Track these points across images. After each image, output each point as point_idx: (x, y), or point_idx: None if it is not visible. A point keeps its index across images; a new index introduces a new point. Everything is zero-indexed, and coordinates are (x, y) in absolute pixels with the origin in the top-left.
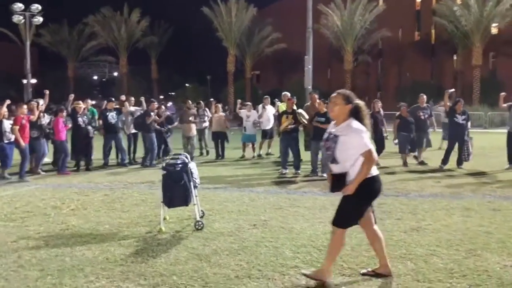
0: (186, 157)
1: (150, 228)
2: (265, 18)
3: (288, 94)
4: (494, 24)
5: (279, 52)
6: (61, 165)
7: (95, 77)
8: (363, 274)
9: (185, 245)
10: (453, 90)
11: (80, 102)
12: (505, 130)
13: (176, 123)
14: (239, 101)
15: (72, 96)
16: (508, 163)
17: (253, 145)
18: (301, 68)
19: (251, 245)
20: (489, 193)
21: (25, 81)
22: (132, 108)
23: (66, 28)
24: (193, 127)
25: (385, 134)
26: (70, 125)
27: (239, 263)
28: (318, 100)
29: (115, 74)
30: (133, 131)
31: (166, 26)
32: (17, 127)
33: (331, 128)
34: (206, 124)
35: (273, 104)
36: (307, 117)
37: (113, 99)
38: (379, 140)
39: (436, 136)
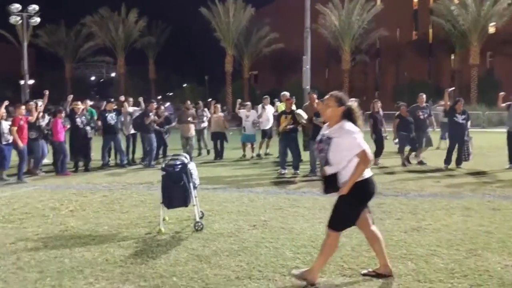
0: (186, 158)
1: (149, 229)
2: (263, 18)
3: (287, 94)
4: (491, 24)
5: (277, 52)
6: (61, 166)
7: (93, 78)
8: (364, 275)
9: (185, 246)
10: (453, 88)
11: (79, 102)
12: (503, 130)
13: (174, 123)
14: (238, 101)
15: (70, 97)
16: (508, 162)
17: (252, 145)
18: (299, 68)
19: (251, 245)
20: (488, 192)
21: (22, 82)
22: (131, 109)
23: (64, 29)
24: (192, 128)
25: (384, 134)
26: (68, 126)
27: (239, 264)
28: (317, 100)
29: (113, 74)
30: (132, 131)
31: (163, 26)
32: (15, 128)
33: (324, 130)
34: (205, 124)
35: (272, 104)
36: (306, 117)
37: (112, 99)
38: (378, 140)
39: (435, 135)
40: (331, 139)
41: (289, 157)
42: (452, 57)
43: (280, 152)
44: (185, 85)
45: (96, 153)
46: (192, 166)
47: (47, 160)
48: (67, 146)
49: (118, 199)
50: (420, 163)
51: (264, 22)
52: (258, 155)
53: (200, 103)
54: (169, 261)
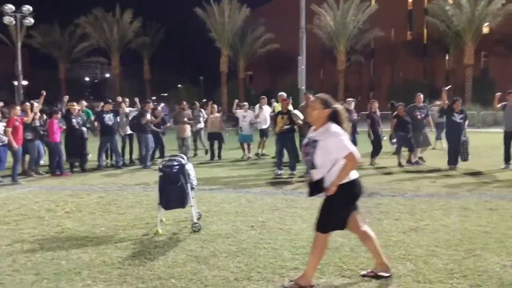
0: (183, 159)
1: (146, 230)
2: (258, 18)
3: (284, 94)
4: (485, 24)
5: (272, 53)
6: (58, 167)
7: (87, 79)
8: (363, 276)
9: (183, 247)
10: (449, 86)
11: (75, 103)
12: (497, 130)
13: (169, 124)
14: (236, 101)
15: (66, 98)
16: (504, 163)
17: (248, 145)
18: (294, 68)
19: (250, 247)
20: (485, 192)
21: (16, 83)
22: (127, 109)
23: (58, 29)
24: (188, 128)
25: (381, 135)
26: (64, 127)
27: (238, 265)
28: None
29: (107, 75)
30: (128, 132)
31: (158, 27)
32: (10, 129)
33: (310, 133)
34: (201, 125)
35: (269, 104)
36: (302, 117)
37: (110, 100)
38: (376, 140)
39: (431, 136)
40: (317, 141)
41: (286, 158)
42: (447, 57)
43: (276, 153)
44: (180, 85)
45: (92, 154)
46: (189, 167)
47: (42, 161)
48: (62, 147)
49: (114, 200)
50: (417, 163)
51: (259, 22)
52: (257, 154)
53: (197, 103)
54: (167, 263)
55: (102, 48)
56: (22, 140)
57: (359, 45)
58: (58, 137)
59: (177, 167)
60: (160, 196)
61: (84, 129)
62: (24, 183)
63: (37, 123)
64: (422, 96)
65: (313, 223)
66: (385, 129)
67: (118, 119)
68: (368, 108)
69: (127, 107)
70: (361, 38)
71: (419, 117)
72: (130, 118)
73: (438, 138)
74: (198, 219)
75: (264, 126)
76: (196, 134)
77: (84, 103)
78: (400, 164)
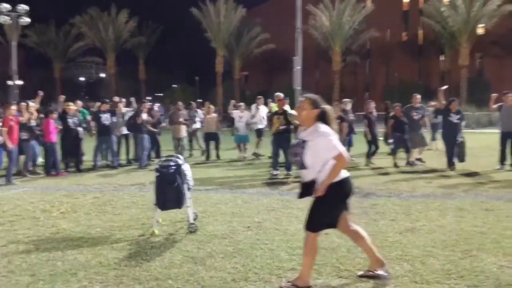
0: (180, 159)
1: (142, 231)
2: (254, 18)
3: (281, 95)
4: (480, 25)
5: (267, 53)
6: (54, 167)
7: (82, 78)
8: (361, 276)
9: (179, 248)
10: (446, 86)
11: (71, 103)
12: (492, 130)
13: (164, 124)
14: (232, 102)
15: (62, 98)
16: (499, 163)
17: (244, 146)
18: (290, 69)
19: (246, 247)
20: (481, 193)
21: (10, 83)
22: (124, 109)
23: (53, 29)
24: (183, 129)
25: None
26: (60, 127)
27: (235, 266)
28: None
29: (102, 75)
30: (124, 132)
31: (154, 27)
32: (5, 129)
33: (299, 134)
34: (197, 125)
35: (265, 104)
36: None
37: (108, 100)
38: (373, 141)
39: (427, 136)
40: (306, 142)
41: (282, 158)
42: (442, 58)
43: (272, 153)
44: (175, 85)
45: (88, 154)
46: (186, 167)
47: (41, 161)
48: (58, 147)
49: (110, 201)
50: (413, 163)
51: (255, 23)
52: (255, 154)
53: (193, 103)
54: (163, 264)
55: (97, 48)
56: (18, 140)
57: (354, 45)
58: (55, 137)
59: (173, 167)
60: (157, 197)
61: (80, 129)
62: (18, 183)
63: (33, 123)
64: (419, 96)
65: None
66: (380, 130)
67: (115, 119)
68: (365, 108)
69: (123, 107)
70: (357, 39)
71: (416, 117)
72: (126, 118)
73: (433, 138)
74: (195, 219)
75: (261, 126)
76: (192, 134)
77: (79, 103)
78: (396, 165)
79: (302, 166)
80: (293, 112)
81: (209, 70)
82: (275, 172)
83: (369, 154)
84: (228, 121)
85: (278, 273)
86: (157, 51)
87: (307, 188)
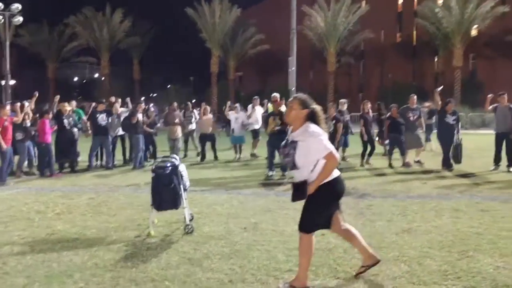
0: (176, 159)
1: (138, 232)
2: (248, 19)
3: (278, 95)
4: (474, 26)
5: (262, 53)
6: (49, 168)
7: (76, 79)
8: (357, 275)
9: (176, 249)
10: (442, 87)
11: (66, 103)
12: (485, 131)
13: (159, 125)
14: (228, 103)
15: (57, 98)
16: (493, 164)
17: (240, 146)
18: (284, 70)
19: (243, 248)
20: (476, 194)
21: (3, 82)
22: (120, 110)
23: (46, 29)
24: (179, 129)
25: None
26: (55, 127)
27: (231, 267)
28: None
29: (96, 75)
30: (120, 133)
31: (149, 27)
32: None
33: (289, 134)
34: (193, 126)
35: (262, 105)
36: None
37: (104, 100)
38: (370, 141)
39: (423, 137)
40: (296, 142)
41: (277, 159)
42: (436, 59)
43: (268, 154)
44: (169, 86)
45: (83, 155)
46: (182, 168)
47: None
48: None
49: (105, 202)
50: (407, 164)
51: (250, 23)
52: (253, 155)
53: (189, 104)
54: (160, 265)
55: (91, 48)
56: (12, 141)
57: (349, 46)
58: (50, 137)
59: (170, 168)
60: (153, 198)
61: (75, 130)
62: (12, 184)
63: (28, 123)
64: (415, 97)
65: None
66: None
67: (110, 119)
68: (361, 108)
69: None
70: (351, 40)
71: (411, 118)
72: (122, 119)
73: (427, 139)
74: (191, 220)
75: (256, 127)
76: (187, 135)
77: (74, 103)
78: (390, 165)
79: (293, 166)
80: None
81: (203, 70)
82: (270, 173)
83: (365, 155)
84: (222, 122)
85: (275, 275)
86: (152, 51)
87: (298, 189)
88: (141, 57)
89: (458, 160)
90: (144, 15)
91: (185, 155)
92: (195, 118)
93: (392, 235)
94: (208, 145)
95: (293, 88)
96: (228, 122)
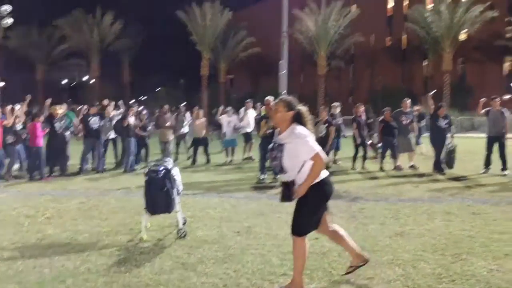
0: (169, 163)
1: (131, 236)
2: (239, 22)
3: (271, 99)
4: (463, 30)
5: (253, 57)
6: (39, 172)
7: (65, 81)
8: (346, 274)
9: (169, 253)
10: (434, 91)
11: (57, 106)
12: (474, 135)
13: (150, 127)
14: (221, 108)
15: (49, 101)
16: (484, 167)
17: (232, 149)
18: (275, 73)
19: (237, 253)
20: (467, 197)
21: None
22: (112, 113)
23: (36, 31)
24: (170, 133)
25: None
26: (46, 130)
27: (226, 271)
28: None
29: (86, 78)
30: (111, 136)
31: (139, 29)
32: None
33: (276, 137)
34: (186, 129)
35: (254, 108)
36: None
37: (98, 103)
38: (363, 144)
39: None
40: (283, 145)
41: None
42: (425, 63)
43: (259, 157)
44: (159, 88)
45: (74, 158)
46: (175, 172)
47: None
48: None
49: (96, 206)
50: (399, 167)
51: (241, 26)
52: (249, 158)
53: (181, 107)
54: (153, 270)
55: (81, 50)
56: (2, 144)
57: (339, 50)
58: (41, 141)
59: (162, 172)
60: (146, 201)
61: (67, 133)
62: (2, 187)
63: (19, 126)
64: (409, 101)
65: None
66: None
67: (103, 122)
68: (354, 112)
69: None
70: (342, 43)
71: (404, 122)
72: (114, 122)
73: (417, 143)
74: (183, 224)
75: (248, 130)
76: (179, 138)
77: (65, 106)
78: (382, 169)
79: (281, 170)
80: None
81: (194, 73)
82: (262, 176)
83: (357, 158)
84: (214, 125)
85: (270, 279)
86: (142, 54)
87: (287, 188)
88: (131, 60)
89: (450, 165)
90: (134, 17)
91: (176, 158)
92: (187, 121)
93: (385, 239)
94: (200, 149)
95: (284, 91)
96: (219, 126)
